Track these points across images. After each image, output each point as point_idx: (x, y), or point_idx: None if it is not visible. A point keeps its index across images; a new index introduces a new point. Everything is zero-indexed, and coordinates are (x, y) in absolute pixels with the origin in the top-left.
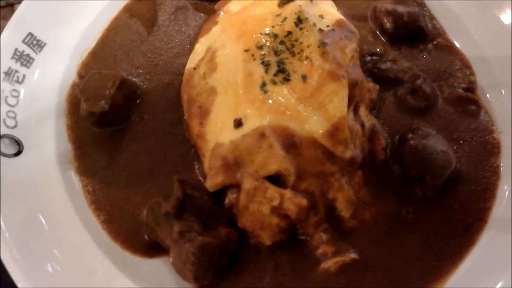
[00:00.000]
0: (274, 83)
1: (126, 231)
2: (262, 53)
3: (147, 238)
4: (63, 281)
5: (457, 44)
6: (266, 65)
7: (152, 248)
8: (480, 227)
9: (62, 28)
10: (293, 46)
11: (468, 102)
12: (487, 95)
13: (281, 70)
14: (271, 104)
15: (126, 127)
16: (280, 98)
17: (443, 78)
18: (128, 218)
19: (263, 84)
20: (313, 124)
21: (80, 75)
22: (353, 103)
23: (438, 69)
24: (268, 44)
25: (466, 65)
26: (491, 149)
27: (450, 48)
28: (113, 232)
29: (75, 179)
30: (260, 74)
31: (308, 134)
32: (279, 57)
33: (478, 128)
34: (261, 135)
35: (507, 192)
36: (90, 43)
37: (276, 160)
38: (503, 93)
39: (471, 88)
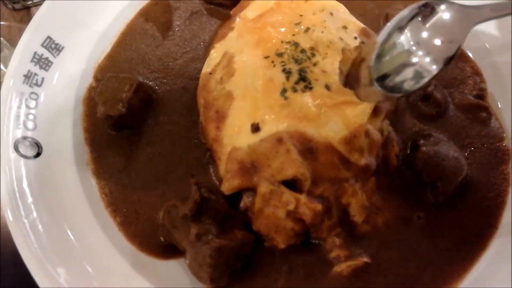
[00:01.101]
0: (295, 90)
1: (142, 233)
2: (282, 60)
3: (162, 240)
4: (80, 281)
5: (467, 51)
6: (287, 72)
7: (167, 250)
8: (491, 232)
9: (80, 31)
10: (313, 55)
11: (479, 109)
12: (498, 103)
13: (303, 78)
14: (289, 110)
15: (142, 130)
16: (300, 104)
17: (454, 85)
18: (144, 220)
19: (284, 91)
20: (331, 130)
21: (97, 78)
22: (382, 113)
23: (449, 76)
24: (288, 52)
25: (476, 72)
26: (502, 156)
27: (460, 55)
28: (129, 233)
29: (92, 181)
30: (281, 81)
31: (325, 139)
32: (300, 65)
33: (489, 135)
34: (278, 140)
35: None
36: (107, 46)
37: (293, 165)
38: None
39: (481, 95)
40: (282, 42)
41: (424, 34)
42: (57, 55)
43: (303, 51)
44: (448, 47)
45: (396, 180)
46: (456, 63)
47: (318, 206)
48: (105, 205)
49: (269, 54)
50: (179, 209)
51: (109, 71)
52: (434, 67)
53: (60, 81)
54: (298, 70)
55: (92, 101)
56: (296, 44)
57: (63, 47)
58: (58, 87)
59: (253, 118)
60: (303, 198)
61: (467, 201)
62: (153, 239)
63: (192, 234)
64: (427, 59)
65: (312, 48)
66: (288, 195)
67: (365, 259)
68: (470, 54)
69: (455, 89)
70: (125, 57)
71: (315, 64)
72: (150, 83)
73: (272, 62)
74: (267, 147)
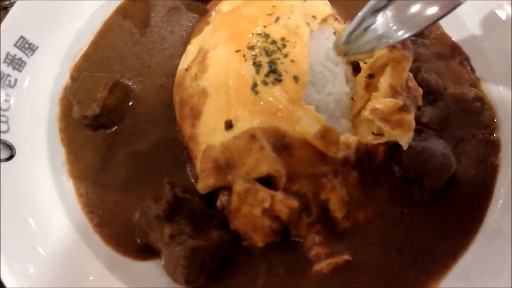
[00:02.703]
0: (266, 83)
1: (118, 234)
2: (254, 53)
3: (139, 241)
4: (54, 284)
5: (454, 39)
6: (257, 65)
7: (144, 251)
8: (476, 228)
9: (55, 31)
10: (284, 46)
11: (473, 99)
12: (491, 91)
13: (273, 70)
14: (262, 105)
15: (120, 130)
16: (271, 99)
17: (445, 74)
18: (121, 221)
19: (254, 85)
20: (305, 125)
21: (73, 78)
22: None
23: (438, 64)
24: (259, 44)
25: (467, 60)
26: (491, 148)
27: (449, 44)
28: (106, 235)
29: (68, 183)
30: (251, 75)
31: (299, 135)
32: (270, 57)
33: (480, 126)
34: (251, 136)
35: (503, 191)
36: (83, 45)
37: (267, 161)
38: (501, 89)
39: (475, 84)
40: (253, 34)
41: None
42: (31, 55)
43: (273, 42)
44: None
45: (382, 176)
46: (444, 50)
47: (294, 203)
48: (81, 206)
49: (241, 47)
50: (153, 209)
51: (86, 70)
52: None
53: (34, 82)
54: (268, 63)
55: (68, 101)
56: (267, 36)
57: (37, 47)
58: (32, 87)
59: (226, 115)
60: (278, 195)
61: (453, 197)
62: (130, 240)
63: (165, 235)
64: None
65: (283, 39)
66: (263, 193)
67: (346, 256)
68: (462, 46)
69: (447, 78)
70: (102, 56)
71: (286, 55)
72: (127, 81)
73: (244, 56)
74: (240, 144)
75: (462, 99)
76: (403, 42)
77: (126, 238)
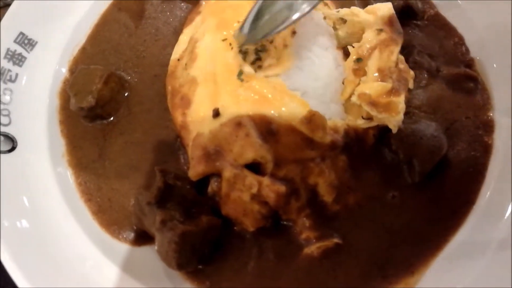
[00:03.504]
0: (252, 71)
1: (115, 221)
2: None
3: (135, 227)
4: (53, 270)
5: (450, 21)
6: (243, 53)
7: (140, 237)
8: (467, 209)
9: (53, 25)
10: None
11: (467, 79)
12: (485, 72)
13: (259, 57)
14: (248, 93)
15: (116, 120)
16: (257, 86)
17: (439, 55)
18: (118, 208)
19: (240, 73)
20: (291, 111)
21: (71, 71)
22: None
23: (433, 46)
24: None
25: (462, 41)
26: (485, 129)
27: (444, 25)
28: (103, 222)
29: (68, 172)
30: (238, 63)
31: (285, 121)
32: (256, 44)
33: (474, 107)
34: (237, 124)
35: (496, 173)
36: (81, 39)
37: (253, 148)
38: (495, 66)
39: (469, 64)
40: (239, 22)
41: None
42: (31, 50)
43: None
44: None
45: (372, 159)
46: (439, 32)
47: (281, 188)
48: (80, 194)
49: (227, 36)
50: (144, 197)
51: (84, 63)
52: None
53: (35, 76)
54: (254, 50)
55: (67, 94)
56: None
57: (36, 42)
58: (33, 82)
59: (214, 103)
60: (265, 180)
61: (445, 178)
62: (126, 227)
63: (157, 220)
64: None
65: None
66: (251, 178)
67: (336, 239)
68: (452, 23)
69: (441, 59)
70: (99, 49)
71: (271, 42)
72: (123, 72)
73: (230, 44)
74: (227, 132)
75: (456, 80)
76: (392, 24)
77: (123, 224)
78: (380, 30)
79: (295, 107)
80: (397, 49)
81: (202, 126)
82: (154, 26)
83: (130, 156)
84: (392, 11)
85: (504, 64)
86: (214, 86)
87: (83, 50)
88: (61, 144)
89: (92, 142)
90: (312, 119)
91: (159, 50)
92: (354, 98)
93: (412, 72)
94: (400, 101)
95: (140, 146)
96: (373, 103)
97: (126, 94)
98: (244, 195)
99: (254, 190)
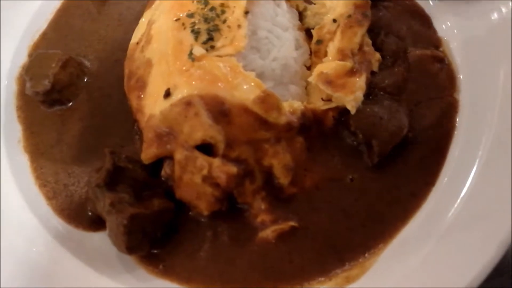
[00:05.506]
0: (203, 51)
1: (70, 206)
2: (193, 21)
3: (90, 213)
4: (2, 254)
5: (417, 1)
6: (196, 33)
7: (95, 222)
8: (427, 191)
9: (12, 10)
10: (223, 12)
11: (433, 60)
12: (453, 51)
13: (211, 37)
14: (199, 73)
15: (75, 105)
16: (208, 66)
17: (407, 36)
18: (73, 193)
19: (190, 53)
20: (244, 91)
21: (31, 56)
22: None
23: (400, 27)
24: (199, 11)
25: (429, 21)
26: (448, 109)
27: (411, 5)
28: (57, 207)
29: (23, 158)
30: (190, 42)
31: (238, 101)
32: (209, 24)
33: (439, 88)
34: (187, 103)
35: (457, 154)
36: (42, 24)
37: (202, 127)
38: (463, 48)
39: (436, 45)
40: (193, 2)
41: None
42: None
43: (212, 9)
44: None
45: (331, 141)
46: (404, 12)
47: (232, 169)
48: (34, 180)
49: (180, 16)
50: (94, 179)
51: (44, 48)
52: None
53: None
54: (206, 30)
55: (25, 79)
56: (206, 3)
57: None
58: None
59: (167, 84)
60: (216, 161)
61: (405, 160)
62: (81, 212)
63: (106, 203)
64: None
65: (222, 5)
66: (201, 160)
67: (292, 222)
68: (424, 7)
69: (410, 42)
70: (60, 34)
71: (224, 21)
72: (83, 58)
73: (183, 24)
74: (177, 112)
75: (422, 61)
76: (359, 7)
77: (78, 210)
78: (346, 12)
79: (249, 87)
80: (361, 31)
81: (154, 108)
82: (117, 11)
83: (88, 141)
84: None
85: (471, 44)
86: (166, 67)
87: (44, 35)
88: (17, 129)
89: (50, 128)
90: (266, 99)
91: (121, 35)
92: (311, 78)
93: (378, 55)
94: (357, 81)
95: (98, 130)
96: (329, 82)
97: (86, 80)
98: (196, 178)
99: (205, 171)
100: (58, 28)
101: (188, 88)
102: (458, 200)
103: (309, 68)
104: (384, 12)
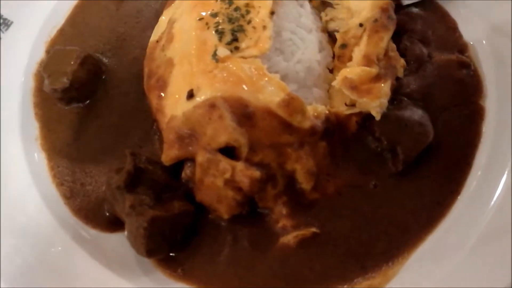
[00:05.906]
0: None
1: (87, 206)
2: (216, 21)
3: (107, 213)
4: (20, 254)
5: (443, 5)
6: (219, 33)
7: (113, 223)
8: (452, 199)
9: (30, 6)
10: (248, 12)
11: (459, 66)
12: (479, 57)
13: (235, 38)
14: (223, 74)
15: (92, 104)
16: (233, 67)
17: (431, 40)
18: (90, 193)
19: (215, 53)
20: (268, 94)
21: (48, 53)
22: None
23: (425, 31)
24: (223, 11)
25: (455, 26)
26: (474, 117)
27: (436, 9)
28: (75, 207)
29: (40, 156)
30: (214, 43)
31: (263, 104)
32: (233, 24)
33: (465, 94)
34: (211, 105)
35: (483, 162)
36: (59, 20)
37: (226, 131)
38: (490, 55)
39: (462, 50)
40: (217, 1)
41: None
42: (6, 30)
43: (237, 9)
44: None
45: (354, 147)
46: (430, 17)
47: (256, 173)
48: (52, 179)
49: (204, 15)
50: (114, 181)
51: (61, 44)
52: None
53: (8, 57)
54: (231, 30)
55: (42, 76)
56: (230, 2)
57: (11, 22)
58: (7, 62)
59: (189, 85)
60: (239, 165)
61: (430, 167)
62: (99, 212)
63: (126, 205)
64: None
65: (247, 5)
66: (224, 163)
67: (313, 229)
68: (450, 11)
69: (434, 47)
70: (78, 31)
71: (249, 22)
72: (101, 55)
73: (206, 23)
74: (200, 114)
75: (447, 67)
76: (385, 11)
77: (95, 210)
78: (372, 16)
79: (273, 90)
80: (387, 35)
81: (176, 109)
82: (135, 8)
83: (106, 140)
84: None
85: (498, 51)
86: (189, 67)
87: (61, 31)
88: (34, 127)
89: (67, 126)
90: (291, 102)
91: (139, 33)
92: (335, 83)
93: (402, 61)
94: (382, 87)
95: (116, 129)
96: (354, 88)
97: (103, 77)
98: (218, 181)
99: (228, 175)
100: (76, 25)
101: (211, 90)
102: (487, 210)
103: (331, 71)
104: (408, 16)
